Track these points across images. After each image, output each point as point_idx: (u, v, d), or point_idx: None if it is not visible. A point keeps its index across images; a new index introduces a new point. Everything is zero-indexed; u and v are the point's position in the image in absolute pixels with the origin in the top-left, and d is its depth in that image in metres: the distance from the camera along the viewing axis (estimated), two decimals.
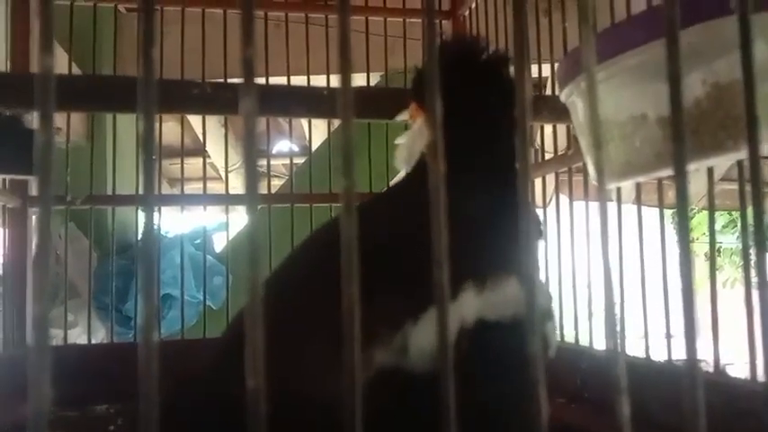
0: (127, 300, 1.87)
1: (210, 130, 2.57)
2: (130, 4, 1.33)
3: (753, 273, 0.66)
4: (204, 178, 1.37)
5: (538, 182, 1.15)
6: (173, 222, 2.01)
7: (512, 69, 0.66)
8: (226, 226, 1.40)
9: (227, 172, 1.57)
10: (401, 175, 0.72)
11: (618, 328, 0.22)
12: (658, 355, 0.82)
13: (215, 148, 2.79)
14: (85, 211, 1.24)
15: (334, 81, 1.16)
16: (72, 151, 1.21)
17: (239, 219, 1.84)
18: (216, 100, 0.89)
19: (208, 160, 2.17)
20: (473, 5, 1.35)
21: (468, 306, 0.52)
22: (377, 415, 0.23)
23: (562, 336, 1.03)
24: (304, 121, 1.87)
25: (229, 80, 1.17)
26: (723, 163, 0.96)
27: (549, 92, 1.30)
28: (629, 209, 0.89)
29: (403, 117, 0.73)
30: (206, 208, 1.30)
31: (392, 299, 0.47)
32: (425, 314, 0.52)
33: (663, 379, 0.75)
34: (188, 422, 0.52)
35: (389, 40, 1.34)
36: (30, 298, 1.10)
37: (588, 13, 0.29)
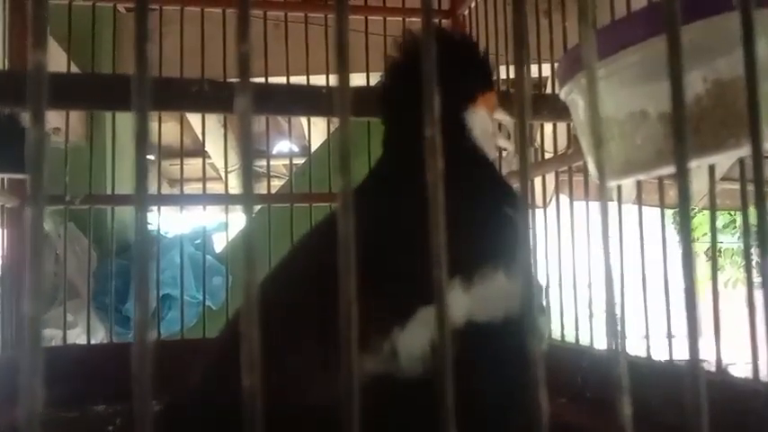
0: (126, 300, 1.87)
1: (210, 130, 2.57)
2: (129, 3, 1.33)
3: (754, 272, 0.66)
4: (204, 178, 1.37)
5: (538, 181, 1.15)
6: (172, 223, 2.00)
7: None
8: (225, 226, 1.40)
9: (226, 172, 1.56)
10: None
11: (619, 328, 0.22)
12: (659, 356, 0.81)
13: (215, 148, 2.78)
14: (85, 211, 1.23)
15: (334, 81, 1.16)
16: (71, 151, 1.21)
17: (239, 219, 1.83)
18: (214, 98, 0.88)
19: (207, 161, 2.17)
20: (473, 5, 1.35)
21: (457, 305, 0.51)
22: (369, 423, 0.22)
23: (563, 335, 1.03)
24: (303, 122, 1.87)
25: (228, 80, 1.16)
26: (724, 161, 0.96)
27: (548, 92, 1.30)
28: (630, 209, 0.89)
29: None
30: (205, 208, 1.30)
31: (377, 304, 0.46)
32: (413, 318, 0.50)
33: (664, 378, 0.75)
34: (186, 425, 0.52)
35: (389, 39, 1.34)
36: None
37: (588, 10, 0.29)
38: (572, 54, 0.71)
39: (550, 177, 1.13)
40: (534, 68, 1.14)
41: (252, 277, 0.23)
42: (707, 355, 0.67)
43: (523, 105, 0.26)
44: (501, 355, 0.52)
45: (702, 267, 3.17)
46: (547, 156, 1.13)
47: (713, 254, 0.75)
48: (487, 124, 0.66)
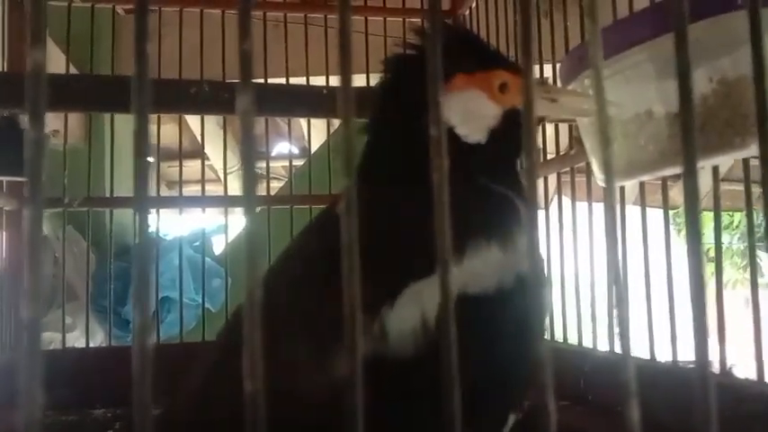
0: (125, 303, 1.86)
1: (209, 131, 2.56)
2: (128, 5, 1.33)
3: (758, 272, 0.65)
4: (203, 180, 1.36)
5: (539, 182, 1.14)
6: (171, 225, 2.00)
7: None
8: (225, 228, 1.39)
9: (225, 174, 1.56)
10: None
11: (627, 330, 0.22)
12: (663, 358, 0.81)
13: (214, 150, 2.78)
14: (83, 213, 1.23)
15: (334, 82, 1.15)
16: (70, 153, 1.20)
17: (238, 221, 1.83)
18: (214, 99, 0.88)
19: (206, 162, 2.16)
20: (473, 5, 1.35)
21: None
22: (367, 404, 0.22)
23: (565, 338, 1.02)
24: (303, 123, 1.86)
25: (228, 81, 1.16)
26: (726, 162, 0.95)
27: None
28: (633, 210, 0.89)
29: None
30: (204, 210, 1.29)
31: (364, 284, 0.45)
32: (401, 296, 0.49)
33: (668, 381, 0.74)
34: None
35: (389, 40, 1.33)
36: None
37: (594, 7, 0.29)
38: (575, 54, 0.71)
39: (552, 178, 1.12)
40: (535, 69, 1.14)
41: (254, 279, 0.22)
42: (711, 356, 0.67)
43: (530, 104, 0.26)
44: (498, 330, 0.51)
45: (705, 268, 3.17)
46: (549, 157, 1.13)
47: (717, 255, 0.74)
48: (474, 105, 0.62)
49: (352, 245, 0.23)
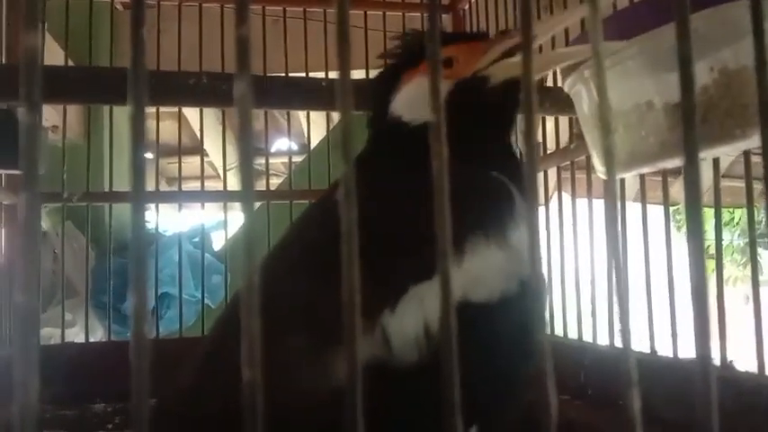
0: (125, 298, 1.86)
1: (208, 127, 2.56)
2: None
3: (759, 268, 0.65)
4: (202, 176, 1.36)
5: (539, 177, 1.14)
6: (171, 221, 2.00)
7: None
8: (224, 224, 1.39)
9: (224, 170, 1.55)
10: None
11: (627, 323, 0.22)
12: (663, 353, 0.81)
13: (213, 146, 2.78)
14: (83, 208, 1.23)
15: (333, 77, 1.15)
16: (69, 149, 1.20)
17: (238, 217, 1.83)
18: (213, 91, 0.87)
19: (206, 158, 2.16)
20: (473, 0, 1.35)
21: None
22: (369, 412, 0.22)
23: (565, 332, 1.02)
24: (302, 119, 1.86)
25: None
26: (726, 157, 0.95)
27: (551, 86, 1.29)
28: (633, 206, 0.88)
29: None
30: (204, 206, 1.29)
31: (364, 287, 0.45)
32: (403, 300, 0.48)
33: (669, 375, 0.74)
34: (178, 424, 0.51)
35: (389, 35, 1.33)
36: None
37: None
38: (576, 45, 0.70)
39: (552, 174, 1.12)
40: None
41: (252, 271, 0.22)
42: (712, 351, 0.67)
43: (530, 97, 0.26)
44: (498, 332, 0.50)
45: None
46: (549, 151, 1.12)
47: (717, 251, 0.74)
48: (418, 90, 0.62)
49: (350, 230, 0.23)
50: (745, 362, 0.71)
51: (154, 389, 0.21)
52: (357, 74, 1.31)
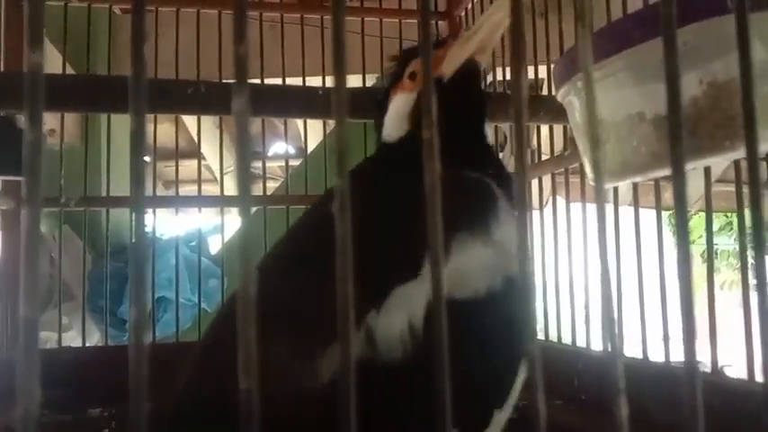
0: (121, 302, 1.86)
1: (205, 131, 2.56)
2: (125, 5, 1.33)
3: (750, 274, 0.66)
4: (199, 180, 1.36)
5: (534, 183, 1.15)
6: (167, 225, 2.00)
7: None
8: (221, 228, 1.39)
9: (221, 174, 1.56)
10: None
11: (616, 329, 0.22)
12: (655, 358, 0.81)
13: (210, 149, 2.78)
14: (79, 212, 1.23)
15: (330, 82, 1.16)
16: (66, 153, 1.21)
17: (234, 221, 1.83)
18: (210, 100, 0.88)
19: (203, 162, 2.16)
20: (469, 6, 1.35)
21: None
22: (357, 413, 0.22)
23: (559, 337, 1.03)
24: (299, 123, 1.86)
25: (224, 81, 1.16)
26: (719, 163, 0.96)
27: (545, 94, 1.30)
28: (626, 210, 0.89)
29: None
30: (201, 210, 1.29)
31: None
32: (388, 300, 0.49)
33: (660, 380, 0.75)
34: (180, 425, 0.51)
35: (385, 41, 1.34)
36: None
37: (585, 11, 0.29)
38: (569, 56, 0.71)
39: (547, 179, 1.13)
40: (530, 70, 1.14)
41: (248, 276, 0.22)
42: (703, 356, 0.67)
43: (520, 106, 0.26)
44: (484, 329, 0.51)
45: (699, 269, 3.17)
46: (544, 158, 1.13)
47: (709, 256, 0.75)
48: (396, 107, 0.69)
49: (345, 242, 0.24)
50: (740, 366, 0.71)
51: (150, 393, 0.22)
52: (354, 79, 1.32)
